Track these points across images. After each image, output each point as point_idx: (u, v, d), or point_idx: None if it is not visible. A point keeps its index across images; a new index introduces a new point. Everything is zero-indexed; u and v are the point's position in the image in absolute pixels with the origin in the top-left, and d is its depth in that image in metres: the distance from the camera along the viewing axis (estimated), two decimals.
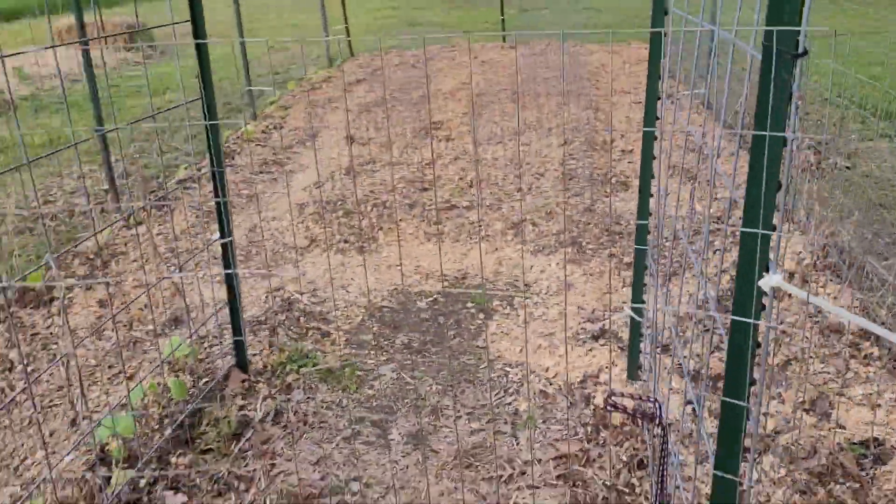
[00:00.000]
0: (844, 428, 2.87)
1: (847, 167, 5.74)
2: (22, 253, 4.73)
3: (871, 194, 5.01)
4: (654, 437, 2.69)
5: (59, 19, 13.00)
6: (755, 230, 1.17)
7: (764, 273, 1.17)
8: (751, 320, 1.19)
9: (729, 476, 1.29)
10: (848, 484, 2.64)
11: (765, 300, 1.25)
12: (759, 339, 1.33)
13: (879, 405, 2.93)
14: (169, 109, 3.42)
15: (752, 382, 1.30)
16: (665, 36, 2.53)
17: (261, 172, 6.44)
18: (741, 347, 1.23)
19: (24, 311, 4.12)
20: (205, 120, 3.01)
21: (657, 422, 1.54)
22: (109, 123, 6.01)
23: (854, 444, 2.78)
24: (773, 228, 1.21)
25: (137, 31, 12.11)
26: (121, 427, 2.82)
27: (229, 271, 3.27)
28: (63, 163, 6.68)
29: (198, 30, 2.89)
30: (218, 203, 3.18)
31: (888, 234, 4.40)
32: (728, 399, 1.27)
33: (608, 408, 1.53)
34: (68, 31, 12.23)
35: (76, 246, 4.73)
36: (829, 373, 3.17)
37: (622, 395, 1.53)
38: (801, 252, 4.07)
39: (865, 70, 8.15)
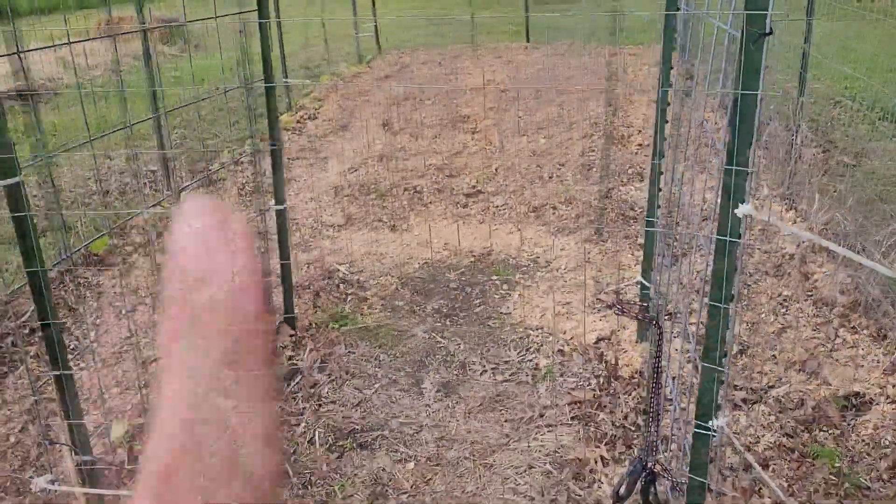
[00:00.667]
0: (830, 384, 3.21)
1: (853, 165, 6.05)
2: (81, 225, 5.16)
3: (871, 190, 5.32)
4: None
5: (96, 14, 13.52)
6: (734, 167, 1.52)
7: (739, 204, 1.52)
8: (727, 238, 1.54)
9: (712, 365, 1.64)
10: (830, 430, 2.99)
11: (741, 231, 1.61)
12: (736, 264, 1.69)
13: (862, 365, 3.27)
14: (228, 90, 3.82)
15: (731, 298, 1.66)
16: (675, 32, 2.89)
17: (297, 158, 6.85)
18: (723, 263, 1.58)
19: (88, 274, 4.55)
20: (267, 107, 3.40)
21: (655, 322, 1.89)
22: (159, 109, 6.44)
23: (838, 397, 3.12)
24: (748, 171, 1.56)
25: (177, 25, 12.58)
26: None
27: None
28: (110, 146, 7.13)
29: (262, 10, 3.27)
30: (275, 175, 3.58)
31: (886, 224, 4.72)
32: (714, 304, 1.62)
33: (615, 310, 1.88)
34: (99, 25, 12.73)
35: (129, 219, 5.15)
36: (819, 338, 3.51)
37: (628, 302, 1.88)
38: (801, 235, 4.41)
39: (881, 76, 8.42)
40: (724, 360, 1.65)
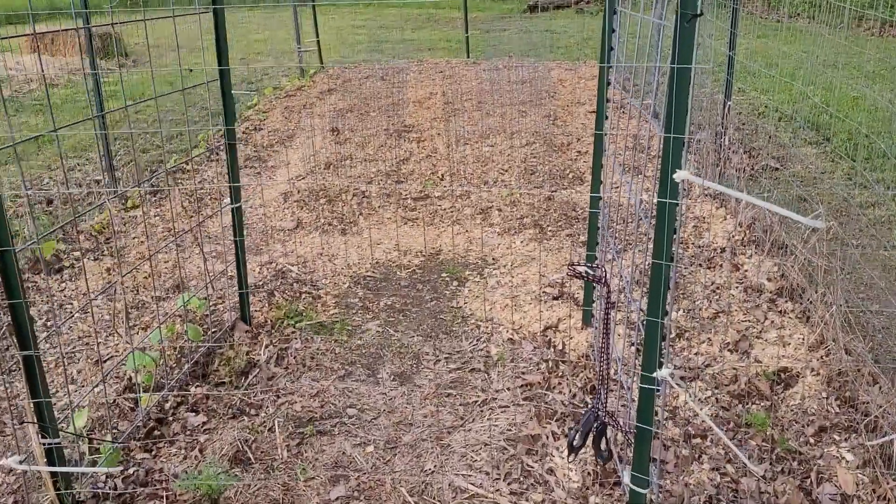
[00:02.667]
0: (761, 362, 3.44)
1: (777, 168, 6.44)
2: (26, 231, 5.10)
3: (794, 192, 5.68)
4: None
5: (28, 28, 13.27)
6: (672, 135, 1.70)
7: (677, 169, 1.70)
8: (667, 200, 1.72)
9: (656, 320, 1.81)
10: (762, 403, 3.21)
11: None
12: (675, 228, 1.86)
13: (789, 343, 3.52)
14: (182, 90, 3.88)
15: (671, 257, 1.83)
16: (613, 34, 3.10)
17: (244, 167, 6.87)
18: (663, 224, 1.76)
19: (37, 278, 4.50)
20: (221, 90, 3.48)
21: (603, 282, 2.05)
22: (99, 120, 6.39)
23: (768, 373, 3.35)
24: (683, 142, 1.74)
25: (66, 30, 12.45)
26: (147, 361, 3.25)
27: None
28: (51, 157, 7.03)
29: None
30: (229, 171, 3.64)
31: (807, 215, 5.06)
32: (656, 261, 1.79)
33: (569, 274, 2.03)
34: (41, 39, 12.48)
35: (74, 224, 5.11)
36: (750, 321, 3.76)
37: (578, 264, 2.04)
38: (731, 231, 4.70)
39: (800, 88, 8.95)
40: (665, 315, 1.82)
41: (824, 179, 6.26)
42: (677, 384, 2.70)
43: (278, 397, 3.41)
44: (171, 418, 3.19)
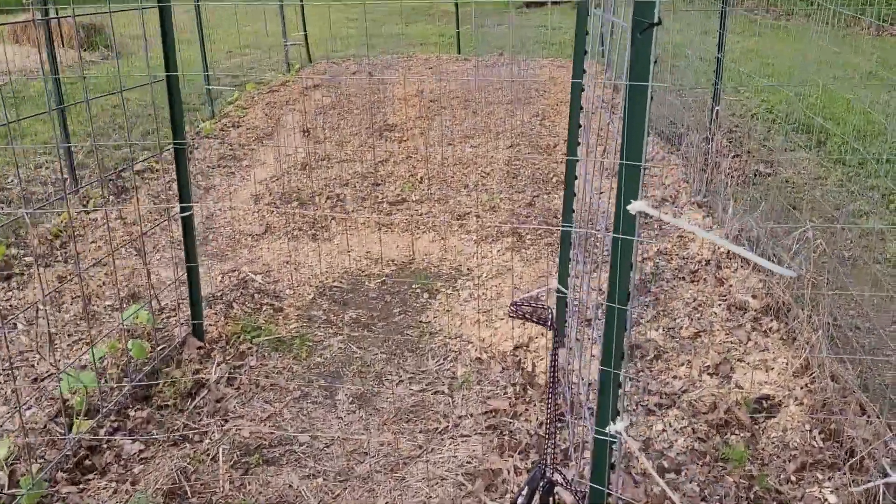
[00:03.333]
0: (742, 388, 3.23)
1: (768, 174, 6.22)
2: None
3: (784, 199, 5.46)
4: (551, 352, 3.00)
5: (16, 16, 12.98)
6: (626, 162, 1.48)
7: (632, 200, 1.48)
8: (621, 236, 1.50)
9: (610, 370, 1.59)
10: (741, 433, 3.00)
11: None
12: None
13: (772, 368, 3.30)
14: (133, 88, 3.65)
15: (626, 297, 1.61)
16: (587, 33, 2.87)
17: (218, 167, 6.64)
18: (617, 262, 1.54)
19: None
20: (169, 98, 3.25)
21: (549, 324, 1.84)
22: (71, 117, 6.15)
23: (749, 400, 3.14)
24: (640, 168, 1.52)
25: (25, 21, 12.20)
26: (86, 381, 3.02)
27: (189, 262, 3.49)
28: (20, 154, 6.78)
29: None
30: (179, 178, 3.41)
31: (793, 227, 4.84)
32: (610, 304, 1.57)
33: (511, 313, 1.81)
34: (23, 29, 12.23)
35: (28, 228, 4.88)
36: (732, 342, 3.54)
37: (523, 301, 1.82)
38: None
39: (794, 89, 8.73)
40: (620, 362, 1.60)
41: (816, 186, 6.04)
42: (638, 448, 2.48)
43: (226, 421, 3.18)
44: (104, 446, 2.96)
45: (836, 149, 7.00)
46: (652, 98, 1.47)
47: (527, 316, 1.84)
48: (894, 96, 8.94)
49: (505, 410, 3.14)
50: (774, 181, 6.01)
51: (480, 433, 3.03)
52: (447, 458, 2.91)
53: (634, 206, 1.46)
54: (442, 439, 3.04)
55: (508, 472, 2.77)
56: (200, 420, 3.17)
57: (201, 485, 2.82)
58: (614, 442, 1.67)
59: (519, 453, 2.87)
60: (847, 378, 3.08)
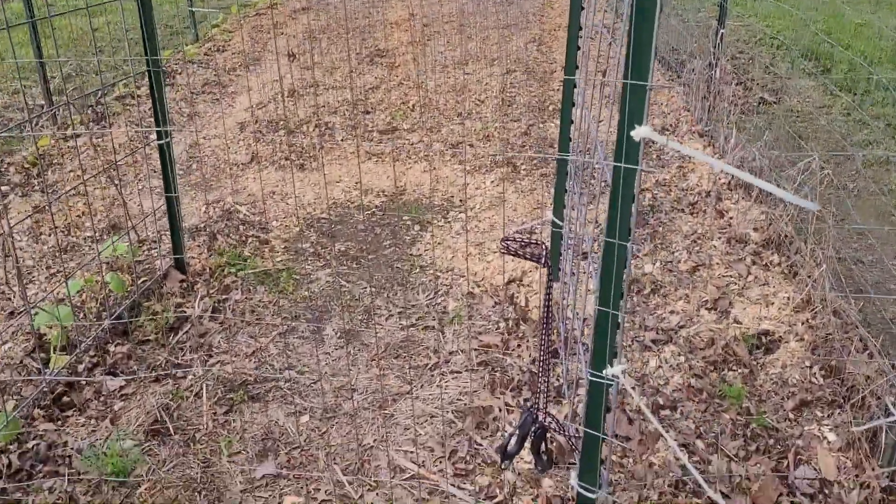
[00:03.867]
0: (741, 323, 3.14)
1: (773, 102, 6.01)
2: None
3: (789, 128, 5.28)
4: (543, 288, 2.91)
5: None
6: (631, 81, 1.33)
7: (636, 125, 1.33)
8: (623, 164, 1.36)
9: (608, 310, 1.48)
10: (739, 370, 2.92)
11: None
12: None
13: (773, 303, 3.20)
14: (103, 3, 3.42)
15: (628, 233, 1.48)
16: None
17: (202, 93, 6.40)
18: (618, 194, 1.40)
19: None
20: (140, 14, 3.03)
21: (542, 261, 1.71)
22: (45, 38, 5.86)
23: (748, 336, 3.05)
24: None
25: None
26: (59, 315, 2.91)
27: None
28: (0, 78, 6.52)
29: None
30: (154, 101, 3.23)
31: (799, 158, 4.69)
32: (609, 239, 1.44)
33: (502, 249, 1.69)
34: None
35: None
36: (731, 276, 3.44)
37: (514, 238, 1.69)
38: (718, 173, 4.32)
39: (803, 13, 8.41)
40: (619, 302, 1.48)
41: (821, 115, 5.85)
42: (631, 387, 2.38)
43: (209, 357, 3.09)
44: (83, 382, 2.87)
45: (842, 76, 6.77)
46: (662, 7, 1.30)
47: (519, 252, 1.71)
48: None
49: (497, 346, 3.05)
50: (779, 109, 5.81)
51: (471, 369, 2.95)
52: (437, 394, 2.83)
53: (639, 132, 1.31)
54: (432, 376, 2.95)
55: (500, 410, 2.69)
56: (183, 356, 3.08)
57: (184, 421, 2.75)
58: (611, 385, 1.57)
59: (511, 390, 2.79)
60: (850, 313, 2.99)
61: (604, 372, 1.53)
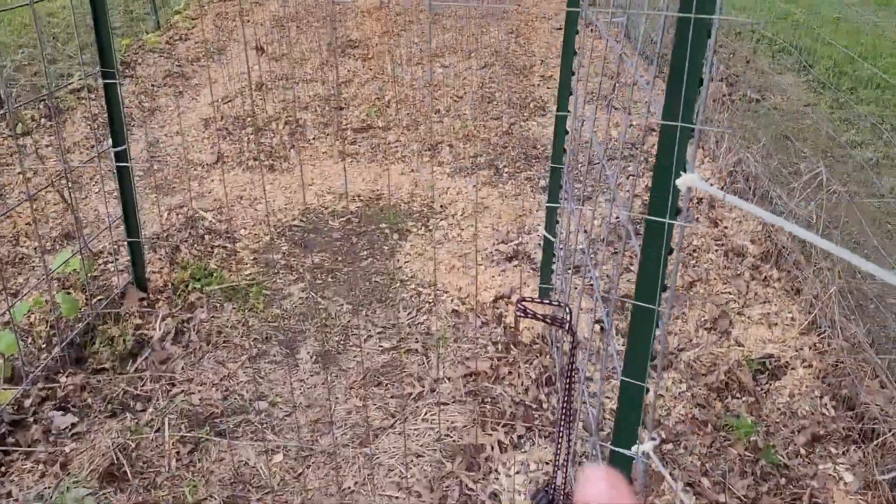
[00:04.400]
0: (743, 345, 2.96)
1: (757, 99, 5.86)
2: None
3: (776, 128, 5.13)
4: (562, 349, 2.70)
5: None
6: (678, 124, 1.11)
7: (681, 172, 1.12)
8: (665, 220, 1.14)
9: (635, 382, 1.27)
10: (743, 398, 2.74)
11: (680, 201, 1.21)
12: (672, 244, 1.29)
13: (776, 323, 3.03)
14: None
15: (664, 288, 1.27)
16: None
17: (164, 85, 6.05)
18: (655, 249, 1.19)
19: None
20: (92, 8, 2.73)
21: (567, 328, 1.50)
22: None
23: (752, 360, 2.87)
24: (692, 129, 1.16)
25: None
26: (2, 344, 2.62)
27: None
28: None
29: None
30: (110, 107, 2.93)
31: (791, 163, 4.54)
32: (639, 303, 1.23)
33: (518, 312, 1.47)
34: None
35: None
36: (730, 293, 3.26)
37: (533, 300, 1.48)
38: (709, 178, 4.15)
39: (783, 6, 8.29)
40: (647, 373, 1.27)
41: (807, 113, 5.72)
42: (661, 466, 2.18)
43: (172, 386, 2.83)
44: (31, 419, 2.59)
45: (825, 72, 6.65)
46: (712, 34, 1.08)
47: (538, 316, 1.49)
48: (883, 16, 8.57)
49: (486, 373, 2.83)
50: (762, 108, 5.66)
51: (459, 400, 2.73)
52: (423, 429, 2.61)
53: (685, 180, 1.10)
54: (417, 406, 2.73)
55: (492, 449, 2.48)
56: (143, 385, 2.81)
57: (144, 463, 2.49)
58: (635, 460, 1.36)
59: (503, 426, 2.57)
60: (858, 335, 2.83)
61: (632, 449, 1.32)
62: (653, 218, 1.15)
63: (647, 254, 1.19)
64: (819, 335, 2.89)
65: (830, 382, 2.70)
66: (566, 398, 1.48)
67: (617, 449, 1.33)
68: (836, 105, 6.01)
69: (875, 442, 2.36)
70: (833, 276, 2.94)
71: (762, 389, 2.78)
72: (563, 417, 1.53)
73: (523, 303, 1.42)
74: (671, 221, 1.15)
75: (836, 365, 2.73)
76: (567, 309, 1.50)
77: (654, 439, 1.27)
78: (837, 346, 2.74)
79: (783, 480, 2.40)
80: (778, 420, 2.63)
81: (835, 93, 6.20)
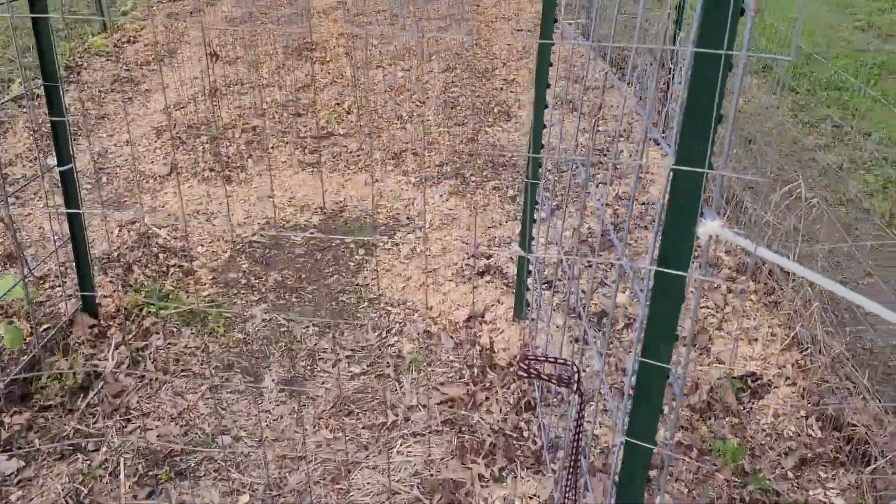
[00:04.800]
0: (723, 363, 2.89)
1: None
2: None
3: (741, 131, 5.11)
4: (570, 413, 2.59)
5: None
6: (689, 168, 1.00)
7: (700, 218, 1.01)
8: (683, 273, 1.03)
9: (643, 444, 1.17)
10: (727, 419, 2.67)
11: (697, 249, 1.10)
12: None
13: (756, 339, 2.97)
14: None
15: (675, 338, 1.16)
16: None
17: (112, 91, 5.78)
18: (667, 303, 1.08)
19: None
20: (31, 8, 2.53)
21: (574, 388, 1.38)
22: None
23: (734, 378, 2.81)
24: (710, 167, 1.05)
25: None
26: None
27: (72, 210, 2.84)
28: None
29: None
30: (53, 122, 2.72)
31: (756, 168, 4.51)
32: (645, 360, 1.12)
33: (521, 373, 1.35)
34: None
35: None
36: (708, 307, 3.19)
37: (536, 357, 1.36)
38: None
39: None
40: (652, 433, 1.16)
41: (770, 116, 5.72)
42: None
43: (128, 422, 2.64)
44: None
45: (784, 71, 6.68)
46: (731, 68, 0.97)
47: (542, 376, 1.36)
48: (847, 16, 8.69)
49: (462, 399, 2.71)
50: (725, 110, 5.65)
51: (435, 430, 2.60)
52: (398, 463, 2.47)
53: (708, 228, 0.99)
54: (390, 437, 2.59)
55: (472, 483, 2.35)
56: (95, 423, 2.62)
57: None
58: None
59: (483, 457, 2.45)
60: (839, 349, 2.78)
61: None
62: (662, 269, 1.04)
63: (655, 315, 1.08)
64: (801, 351, 2.83)
65: (815, 401, 2.64)
66: (573, 465, 1.36)
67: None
68: (798, 107, 6.03)
69: (863, 460, 2.30)
70: (814, 292, 2.89)
71: (745, 409, 2.71)
72: (567, 484, 1.41)
73: (526, 360, 1.30)
74: (682, 273, 1.04)
75: (820, 383, 2.67)
76: (573, 368, 1.38)
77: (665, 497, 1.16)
78: (821, 364, 2.69)
79: None
80: (763, 442, 2.56)
81: (794, 94, 6.23)
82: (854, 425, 2.47)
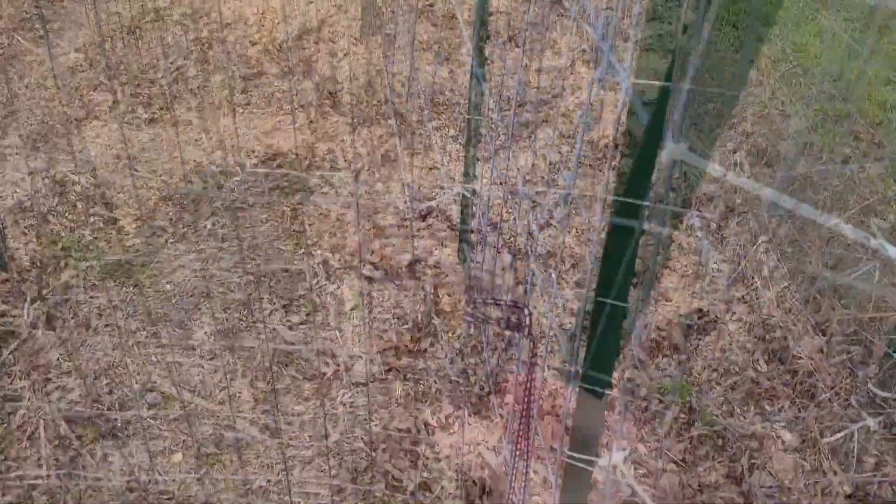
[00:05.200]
0: (670, 300, 2.86)
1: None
2: None
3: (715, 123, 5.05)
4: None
5: None
6: (648, 82, 0.88)
7: (668, 141, 0.90)
8: (644, 203, 0.93)
9: (598, 389, 1.08)
10: (674, 356, 2.64)
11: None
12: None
13: (703, 276, 2.95)
14: None
15: (633, 274, 1.07)
16: None
17: (20, 28, 5.34)
18: (625, 235, 0.98)
19: None
20: None
21: (526, 332, 1.29)
22: None
23: (681, 315, 2.78)
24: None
25: None
26: None
27: None
28: None
29: None
30: None
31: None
32: (603, 299, 1.03)
33: (468, 318, 1.24)
34: None
35: None
36: (650, 244, 3.15)
37: (484, 301, 1.25)
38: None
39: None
40: (612, 366, 1.07)
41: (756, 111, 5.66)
42: (633, 482, 2.02)
43: (48, 381, 2.46)
44: None
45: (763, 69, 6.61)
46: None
47: (490, 321, 1.25)
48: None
49: (406, 346, 2.61)
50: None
51: (380, 378, 2.50)
52: (342, 414, 2.37)
53: (671, 151, 0.88)
54: (331, 388, 2.48)
55: (419, 432, 2.27)
56: (11, 383, 2.43)
57: (17, 477, 2.15)
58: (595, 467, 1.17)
59: (429, 404, 2.37)
60: (785, 285, 2.77)
61: (599, 463, 1.13)
62: (626, 200, 0.93)
63: (614, 243, 0.98)
64: (748, 286, 2.81)
65: (761, 335, 2.63)
66: (525, 411, 1.27)
67: (579, 463, 1.13)
68: (780, 106, 5.98)
69: (814, 400, 2.31)
70: (760, 226, 2.86)
71: (692, 346, 2.69)
72: (521, 429, 1.33)
73: (473, 305, 1.19)
74: (657, 205, 0.93)
75: (766, 320, 2.66)
76: (526, 311, 1.28)
77: (624, 449, 1.08)
78: (767, 300, 2.67)
79: (720, 442, 2.32)
80: (710, 378, 2.55)
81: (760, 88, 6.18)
82: (799, 358, 2.47)
